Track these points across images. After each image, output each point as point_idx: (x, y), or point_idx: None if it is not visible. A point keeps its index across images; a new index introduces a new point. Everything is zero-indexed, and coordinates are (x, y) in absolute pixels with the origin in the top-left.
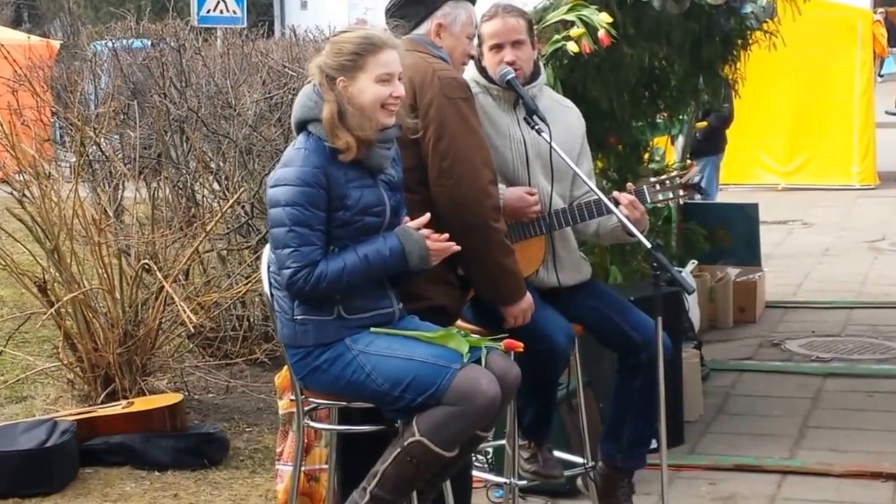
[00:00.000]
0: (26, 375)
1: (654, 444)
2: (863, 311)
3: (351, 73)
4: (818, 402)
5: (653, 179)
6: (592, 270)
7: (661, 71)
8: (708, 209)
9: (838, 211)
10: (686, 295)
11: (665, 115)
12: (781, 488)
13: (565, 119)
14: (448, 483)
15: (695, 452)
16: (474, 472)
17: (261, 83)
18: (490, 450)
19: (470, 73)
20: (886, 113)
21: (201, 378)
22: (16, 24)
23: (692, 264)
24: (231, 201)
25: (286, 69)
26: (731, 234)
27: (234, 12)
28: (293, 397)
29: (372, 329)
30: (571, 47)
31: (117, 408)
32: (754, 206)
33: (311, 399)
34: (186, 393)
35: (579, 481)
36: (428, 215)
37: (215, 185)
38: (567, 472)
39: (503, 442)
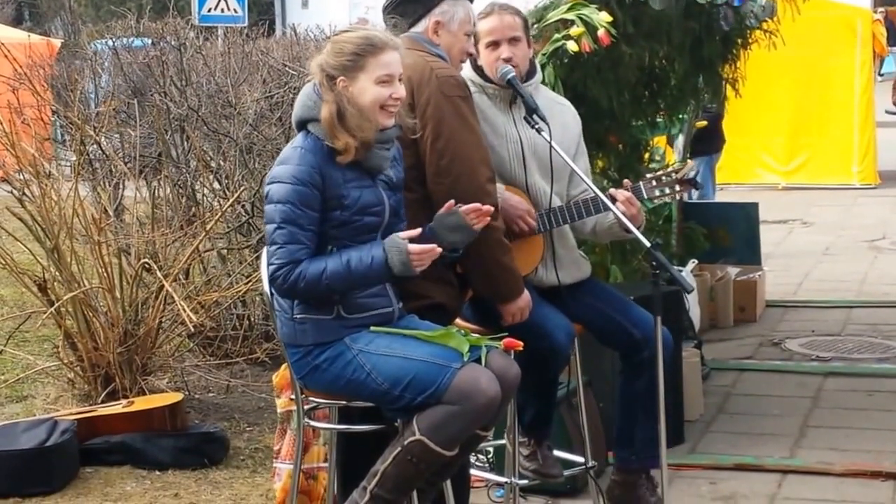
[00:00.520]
0: (26, 375)
1: None
2: (863, 310)
3: (351, 74)
4: (818, 402)
5: (649, 176)
6: (593, 269)
7: (661, 70)
8: (708, 208)
9: (838, 210)
10: (686, 294)
11: (665, 114)
12: (782, 487)
13: (562, 118)
14: (448, 482)
15: (695, 452)
16: (476, 472)
17: (261, 82)
18: (491, 449)
19: (466, 71)
20: (886, 112)
21: (202, 377)
22: (16, 22)
23: (692, 263)
24: (231, 200)
25: (287, 68)
26: (731, 233)
27: (235, 11)
28: (291, 396)
29: (371, 328)
30: (571, 46)
31: (117, 407)
32: (754, 206)
33: (311, 398)
34: (187, 392)
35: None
36: (419, 230)
37: (216, 184)
38: (567, 472)
39: (503, 441)
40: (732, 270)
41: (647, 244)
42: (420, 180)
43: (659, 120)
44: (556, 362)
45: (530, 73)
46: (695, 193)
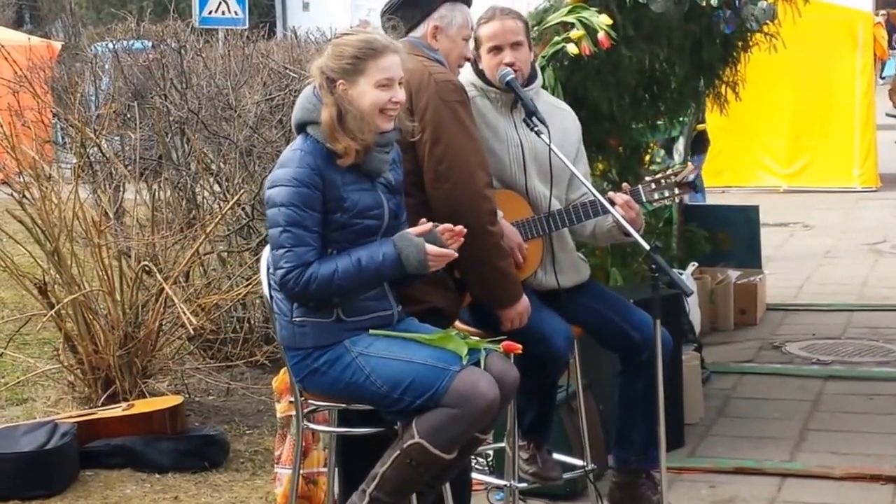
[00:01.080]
0: (27, 377)
1: None
2: (864, 313)
3: (351, 77)
4: (818, 405)
5: (648, 179)
6: (593, 272)
7: (661, 73)
8: (709, 211)
9: (839, 213)
10: (686, 297)
11: (665, 116)
12: (782, 491)
13: (562, 121)
14: (447, 485)
15: (695, 455)
16: (475, 475)
17: (262, 84)
18: (490, 452)
19: (467, 75)
20: (887, 115)
21: (202, 380)
22: (17, 24)
23: (692, 266)
24: (231, 203)
25: (287, 70)
26: (731, 236)
27: (236, 13)
28: (291, 400)
29: (371, 331)
30: (571, 49)
31: (118, 410)
32: (755, 209)
33: (311, 401)
34: (187, 395)
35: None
36: (431, 224)
37: (216, 187)
38: (566, 475)
39: (503, 444)
40: (733, 273)
41: (647, 247)
42: (419, 185)
43: (659, 123)
44: (555, 366)
45: (531, 77)
46: (697, 196)
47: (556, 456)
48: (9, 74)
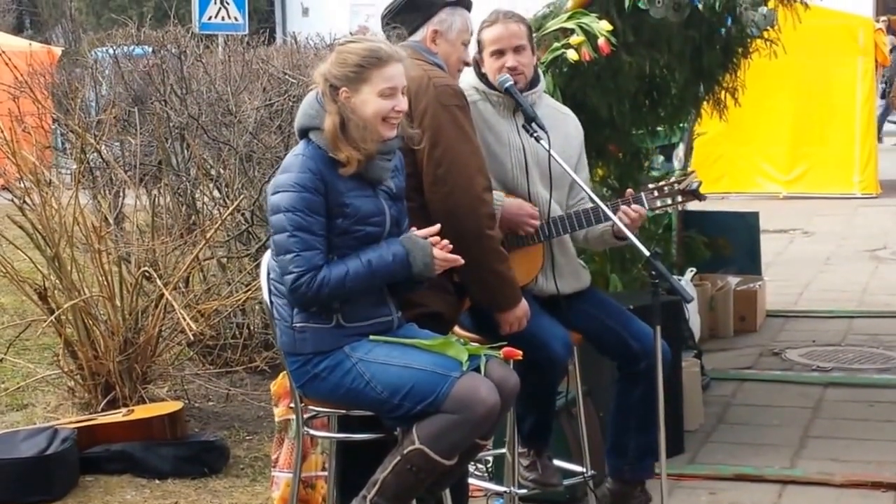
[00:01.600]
0: (27, 383)
1: None
2: (864, 320)
3: (354, 85)
4: (819, 412)
5: (651, 186)
6: (592, 279)
7: (661, 79)
8: (708, 217)
9: (839, 220)
10: (686, 304)
11: (665, 123)
12: (782, 498)
13: (564, 127)
14: (447, 491)
15: (695, 462)
16: (475, 482)
17: (261, 90)
18: (490, 458)
19: (470, 79)
20: (888, 121)
21: (201, 386)
22: (17, 30)
23: (691, 272)
24: (231, 208)
25: (287, 76)
26: (731, 242)
27: (236, 19)
28: (289, 405)
29: (371, 337)
30: (571, 55)
31: (118, 416)
32: (755, 215)
33: (311, 407)
34: (186, 401)
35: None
36: (438, 226)
37: (215, 193)
38: (566, 481)
39: (503, 451)
40: (733, 280)
41: (647, 253)
42: (418, 189)
43: (659, 129)
44: (554, 372)
45: (534, 82)
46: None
47: (555, 462)
48: (9, 80)
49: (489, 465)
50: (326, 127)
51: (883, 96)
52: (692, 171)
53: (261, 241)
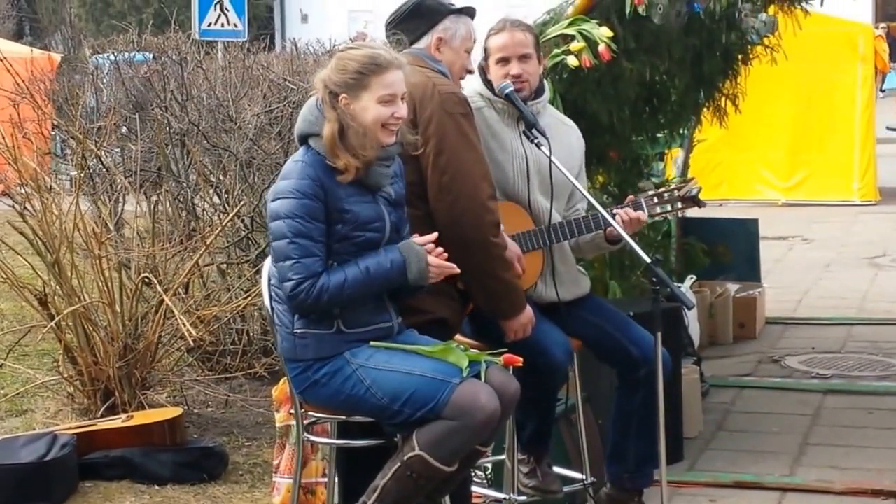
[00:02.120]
0: (26, 389)
1: None
2: (863, 327)
3: (354, 92)
4: (818, 419)
5: (651, 192)
6: (592, 285)
7: (661, 85)
8: (708, 224)
9: (839, 227)
10: (685, 310)
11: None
12: None
13: (566, 138)
14: (447, 497)
15: (694, 469)
16: (474, 488)
17: (262, 96)
18: (489, 465)
19: (475, 85)
20: (887, 129)
21: (201, 392)
22: (17, 36)
23: (690, 279)
24: (231, 215)
25: (287, 82)
26: (731, 249)
27: (236, 25)
28: (290, 410)
29: (371, 343)
30: (571, 61)
31: (117, 421)
32: (754, 222)
33: (311, 413)
34: (186, 407)
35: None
36: (435, 234)
37: (215, 199)
38: (566, 488)
39: (503, 457)
40: (732, 287)
41: (647, 260)
42: (422, 196)
43: (659, 135)
44: (554, 379)
45: (539, 92)
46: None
47: (555, 469)
48: (10, 86)
49: (488, 472)
50: (325, 134)
51: None
52: (692, 178)
53: (261, 248)
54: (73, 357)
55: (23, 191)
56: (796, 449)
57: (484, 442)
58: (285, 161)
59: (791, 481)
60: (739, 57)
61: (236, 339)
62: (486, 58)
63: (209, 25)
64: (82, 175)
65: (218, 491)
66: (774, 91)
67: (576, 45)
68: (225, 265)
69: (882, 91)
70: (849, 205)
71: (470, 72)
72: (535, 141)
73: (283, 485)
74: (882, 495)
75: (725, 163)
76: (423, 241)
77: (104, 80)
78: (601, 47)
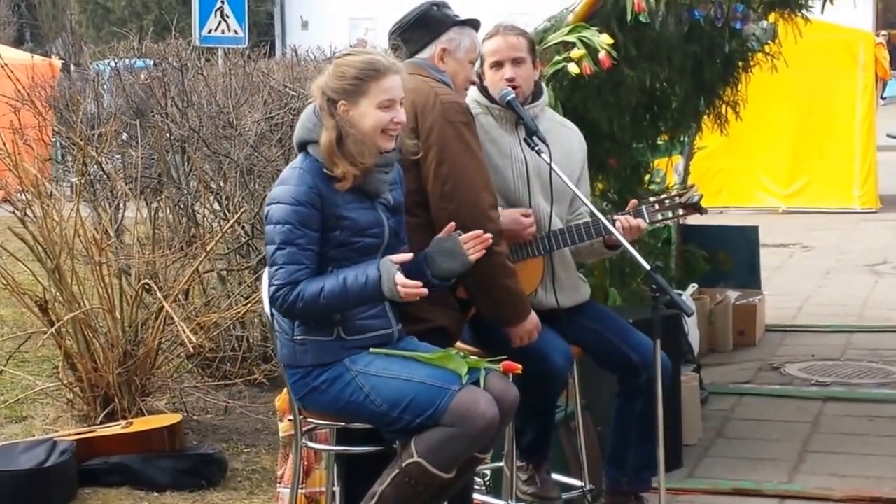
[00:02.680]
0: (26, 395)
1: None
2: (863, 335)
3: (353, 98)
4: (818, 427)
5: (652, 199)
6: (592, 293)
7: (661, 92)
8: (708, 232)
9: (839, 234)
10: (685, 318)
11: (666, 136)
12: None
13: (567, 141)
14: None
15: (693, 476)
16: (474, 495)
17: (262, 103)
18: (488, 472)
19: (472, 93)
20: (888, 136)
21: (200, 399)
22: (18, 43)
23: (692, 288)
24: (231, 221)
25: (287, 89)
26: (731, 256)
27: (236, 32)
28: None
29: (371, 350)
30: (572, 69)
31: (116, 428)
32: (754, 229)
33: (310, 420)
34: (185, 413)
35: None
36: (410, 255)
37: (216, 205)
38: (565, 495)
39: (501, 464)
40: (732, 294)
41: (647, 267)
42: (423, 204)
43: (660, 142)
44: (554, 385)
45: (536, 95)
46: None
47: (554, 476)
48: (11, 92)
49: (487, 479)
50: (323, 142)
51: None
52: (693, 185)
53: (261, 254)
54: (72, 363)
55: (23, 197)
56: (796, 456)
57: (483, 449)
58: (286, 167)
59: (790, 489)
60: (740, 64)
61: (236, 345)
62: (481, 64)
63: (210, 32)
64: (83, 181)
65: (217, 497)
66: (775, 98)
67: (576, 53)
68: (225, 272)
69: (883, 98)
70: (849, 212)
71: (474, 83)
72: (536, 148)
73: (287, 495)
74: (881, 503)
75: (726, 170)
76: (397, 260)
77: (105, 87)
78: (602, 54)
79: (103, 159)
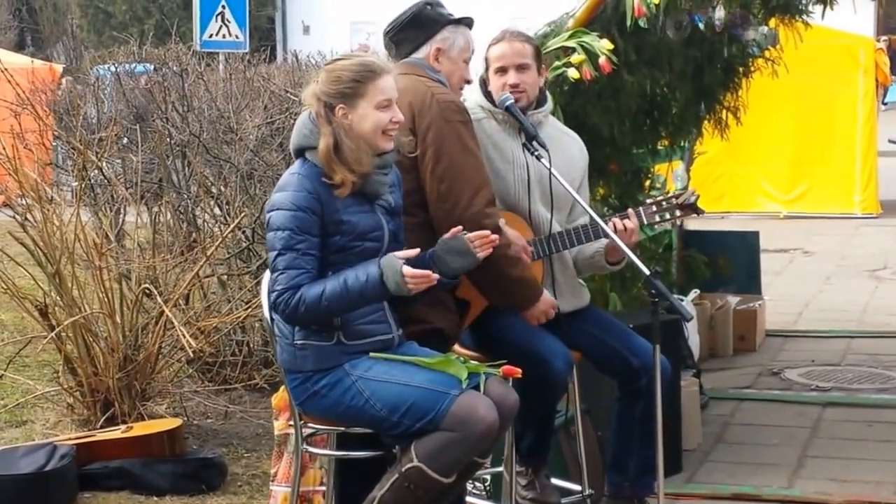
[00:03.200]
0: (26, 399)
1: None
2: (863, 340)
3: (351, 101)
4: (817, 432)
5: (649, 201)
6: (592, 298)
7: (662, 98)
8: (709, 237)
9: (840, 239)
10: (685, 323)
11: (666, 141)
12: None
13: (569, 150)
14: None
15: (693, 481)
16: (473, 500)
17: (262, 108)
18: (488, 477)
19: (476, 97)
20: (889, 142)
21: (200, 403)
22: (19, 47)
23: (694, 293)
24: (232, 226)
25: (288, 94)
26: (731, 261)
27: (237, 37)
28: (289, 419)
29: (371, 354)
30: (572, 74)
31: (116, 432)
32: (755, 234)
33: (310, 424)
34: (185, 418)
35: None
36: (417, 250)
37: (216, 210)
38: (564, 500)
39: (501, 469)
40: (732, 299)
41: (647, 272)
42: (421, 204)
43: (660, 148)
44: (554, 390)
45: (541, 102)
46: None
47: (553, 481)
48: (11, 97)
49: (487, 484)
50: (321, 148)
51: None
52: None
53: (261, 259)
54: (73, 368)
55: (24, 202)
56: (795, 461)
57: (482, 453)
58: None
59: (790, 494)
60: (740, 69)
61: (236, 350)
62: (486, 68)
63: (210, 37)
64: (83, 186)
65: (216, 502)
66: (776, 104)
67: (576, 58)
68: (225, 276)
69: (884, 104)
70: (850, 218)
71: (468, 82)
72: (536, 153)
73: (280, 493)
74: None
75: (726, 175)
76: (402, 256)
77: (105, 91)
78: (602, 60)
79: (104, 164)
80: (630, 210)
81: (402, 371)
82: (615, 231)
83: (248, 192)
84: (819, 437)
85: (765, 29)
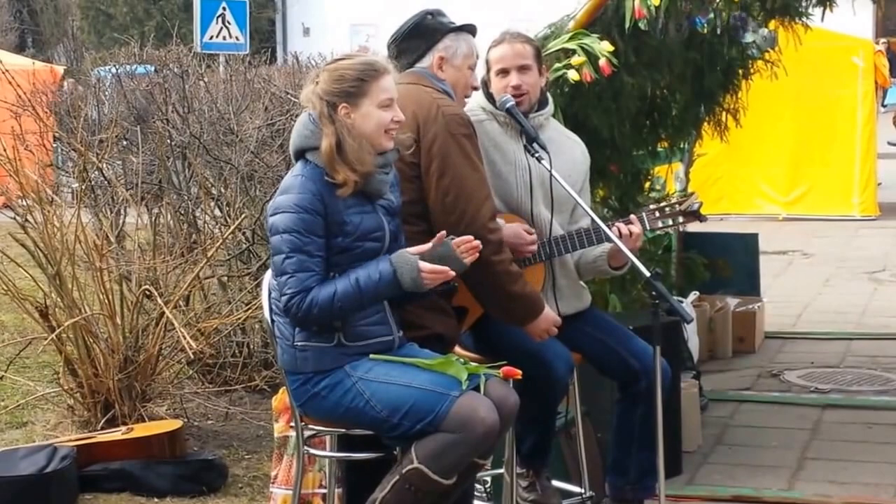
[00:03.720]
0: (26, 401)
1: None
2: (862, 342)
3: (354, 100)
4: (817, 434)
5: (652, 206)
6: (592, 299)
7: (662, 100)
8: (708, 239)
9: (839, 241)
10: (685, 324)
11: (666, 143)
12: None
13: (571, 152)
14: None
15: (693, 483)
16: (474, 501)
17: (263, 109)
18: (488, 478)
19: (478, 98)
20: (889, 144)
21: (200, 404)
22: (19, 49)
23: (693, 295)
24: (232, 227)
25: (288, 95)
26: (731, 263)
27: (237, 38)
28: (290, 421)
29: (371, 356)
30: (572, 76)
31: (117, 434)
32: (754, 236)
33: (311, 426)
34: (186, 419)
35: None
36: (429, 245)
37: (217, 212)
38: (565, 502)
39: (501, 470)
40: (732, 301)
41: (647, 274)
42: (421, 215)
43: (660, 150)
44: (555, 391)
45: (542, 104)
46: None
47: (554, 483)
48: (12, 98)
49: (487, 486)
50: (323, 148)
51: None
52: (693, 193)
53: (262, 260)
54: (73, 369)
55: (24, 203)
56: (795, 463)
57: (483, 455)
58: (287, 174)
59: (789, 495)
60: (740, 71)
61: (237, 351)
62: (487, 70)
63: (211, 38)
64: (84, 187)
65: (217, 503)
66: (775, 106)
67: (577, 60)
68: (226, 278)
69: (883, 106)
70: (849, 220)
71: (475, 88)
72: (536, 155)
73: (280, 495)
74: None
75: (726, 177)
76: (415, 251)
77: (106, 93)
78: (602, 61)
79: (104, 165)
80: (633, 215)
81: (402, 372)
82: (619, 236)
83: (249, 194)
84: (818, 438)
85: (764, 31)
